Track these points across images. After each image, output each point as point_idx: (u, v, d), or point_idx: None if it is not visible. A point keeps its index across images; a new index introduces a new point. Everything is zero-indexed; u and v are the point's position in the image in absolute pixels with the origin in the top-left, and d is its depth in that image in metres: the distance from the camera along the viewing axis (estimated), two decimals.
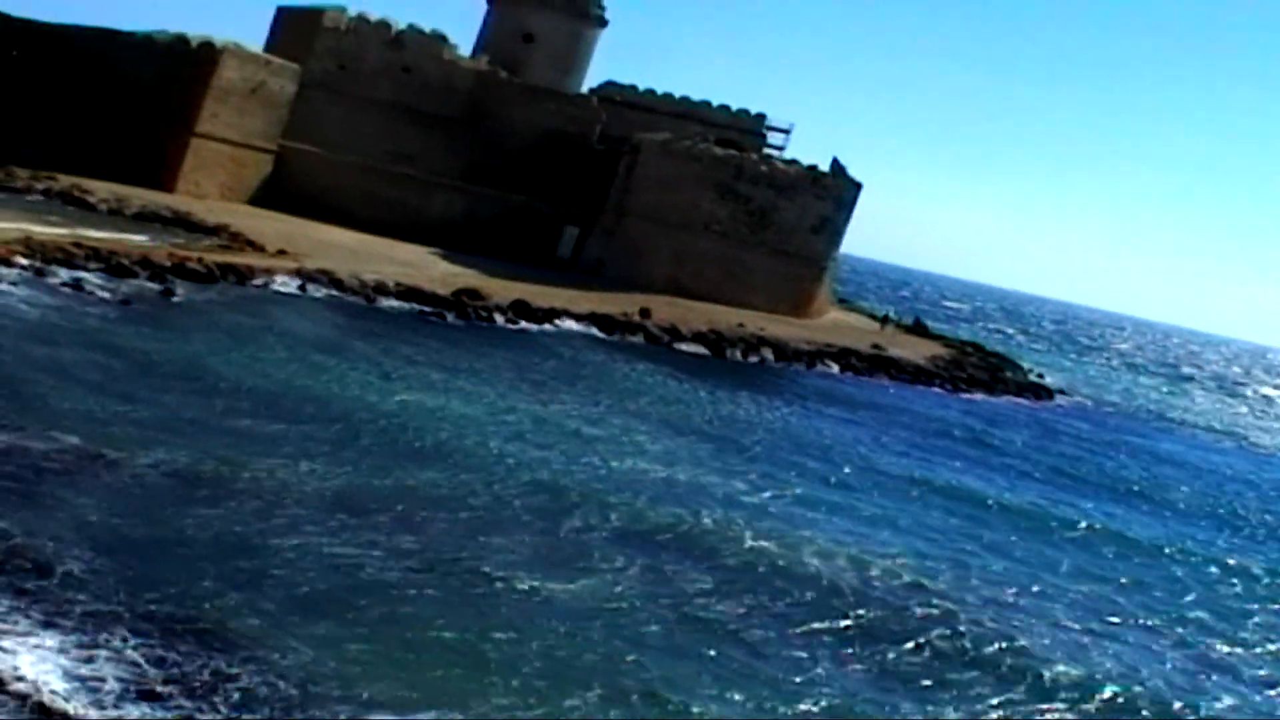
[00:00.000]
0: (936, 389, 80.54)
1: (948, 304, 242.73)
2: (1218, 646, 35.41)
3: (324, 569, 26.91)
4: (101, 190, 78.18)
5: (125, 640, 21.67)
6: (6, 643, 20.74)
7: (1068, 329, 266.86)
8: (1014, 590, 36.06)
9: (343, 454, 35.83)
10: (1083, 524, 48.28)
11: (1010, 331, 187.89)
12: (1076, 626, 33.99)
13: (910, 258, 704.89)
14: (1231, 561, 47.55)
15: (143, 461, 31.08)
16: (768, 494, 41.73)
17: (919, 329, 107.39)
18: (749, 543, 34.75)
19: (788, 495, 42.26)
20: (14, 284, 49.58)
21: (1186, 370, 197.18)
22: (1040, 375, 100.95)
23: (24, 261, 53.34)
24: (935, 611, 32.22)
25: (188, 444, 33.23)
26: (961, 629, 31.20)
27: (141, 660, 21.21)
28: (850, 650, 28.64)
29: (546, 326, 69.20)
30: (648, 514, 35.71)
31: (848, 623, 30.29)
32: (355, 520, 30.29)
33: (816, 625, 29.74)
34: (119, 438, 32.42)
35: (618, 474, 40.31)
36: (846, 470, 49.39)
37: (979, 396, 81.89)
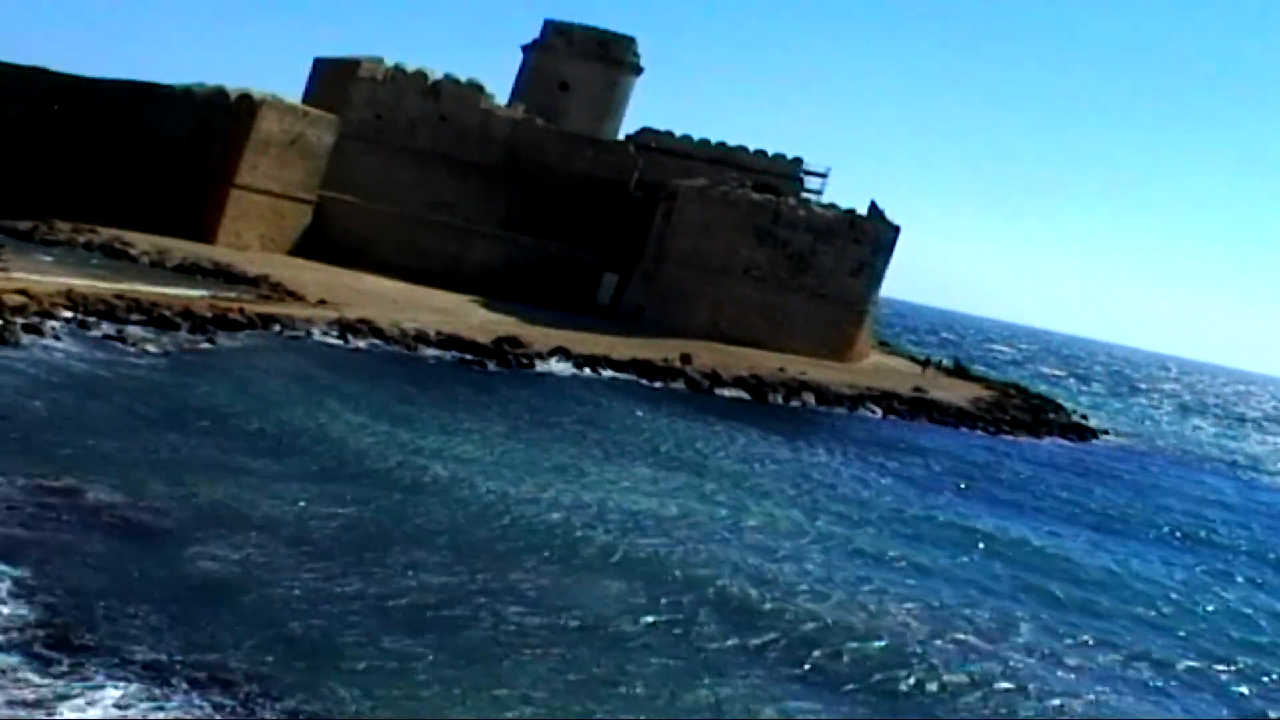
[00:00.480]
0: (979, 431, 79.89)
1: (994, 347, 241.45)
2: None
3: (374, 612, 26.69)
4: (143, 242, 78.61)
5: (186, 693, 21.55)
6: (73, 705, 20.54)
7: (1117, 368, 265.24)
8: (1071, 643, 35.35)
9: (381, 502, 35.55)
10: (1135, 573, 47.43)
11: (1060, 374, 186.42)
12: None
13: (953, 300, 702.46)
14: None
15: (181, 511, 30.99)
16: (835, 553, 40.98)
17: (960, 371, 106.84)
18: (819, 607, 34.04)
19: (850, 548, 41.71)
20: (57, 336, 49.70)
21: (1240, 410, 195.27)
22: (1084, 416, 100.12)
23: (66, 314, 53.55)
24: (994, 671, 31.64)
25: (230, 494, 33.11)
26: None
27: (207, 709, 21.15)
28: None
29: (586, 372, 68.99)
30: (704, 575, 34.94)
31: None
32: (407, 567, 30.05)
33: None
34: (158, 488, 32.29)
35: (669, 522, 39.90)
36: (896, 520, 48.69)
37: (1023, 439, 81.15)
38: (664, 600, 31.56)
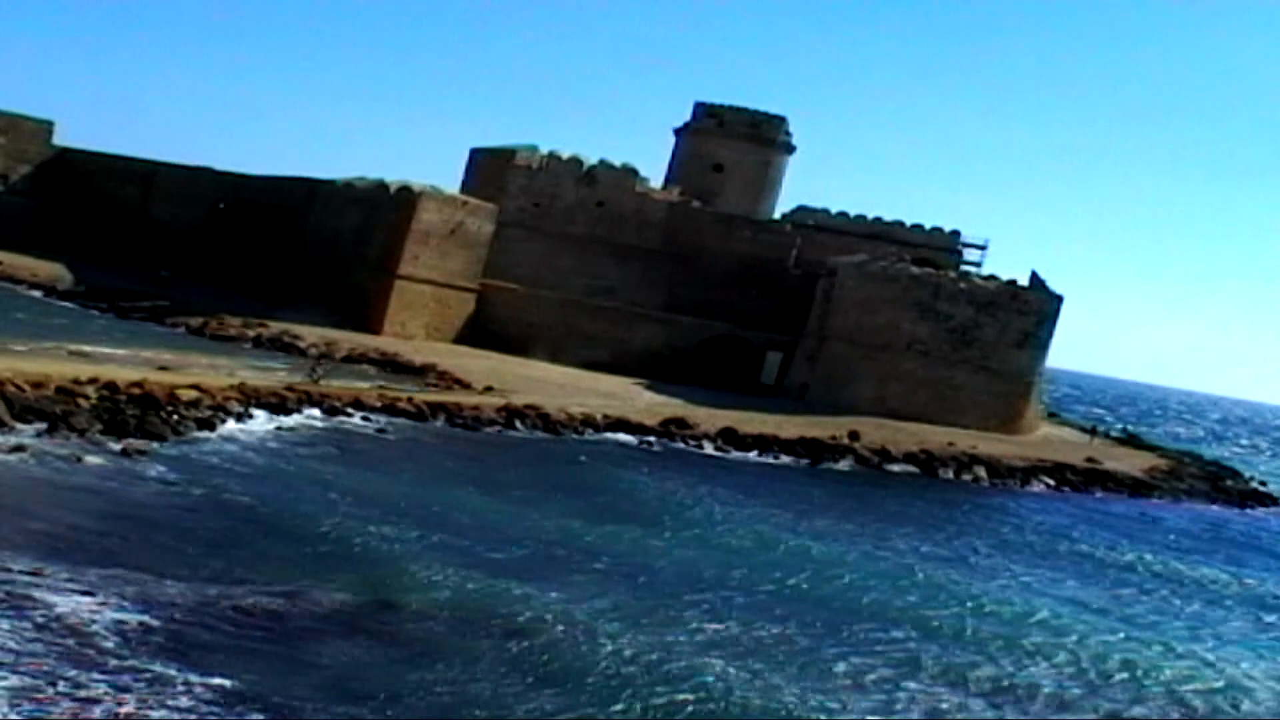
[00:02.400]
0: (1155, 500, 78.25)
1: (1177, 416, 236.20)
2: None
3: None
4: (311, 335, 79.67)
5: None
6: None
7: None
8: None
9: (570, 579, 35.43)
10: None
11: (1250, 442, 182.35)
12: None
13: (1124, 369, 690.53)
14: None
15: (359, 601, 30.93)
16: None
17: (1131, 440, 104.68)
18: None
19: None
20: (231, 428, 50.42)
21: None
22: (1263, 483, 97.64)
23: (239, 408, 54.22)
24: None
25: (419, 585, 32.96)
26: None
27: None
28: None
29: (752, 455, 68.40)
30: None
31: None
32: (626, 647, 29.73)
33: None
34: (340, 581, 32.19)
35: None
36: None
37: (1202, 506, 79.32)
38: None
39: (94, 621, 26.44)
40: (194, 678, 24.39)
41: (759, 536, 46.78)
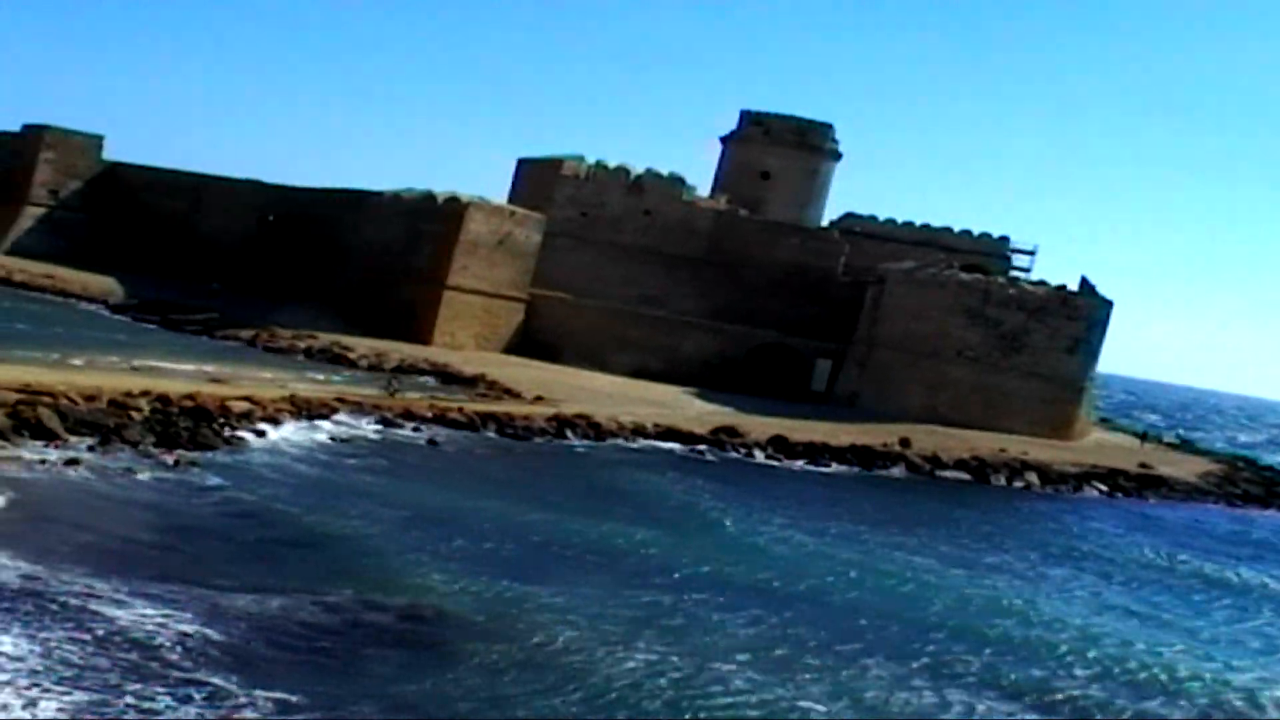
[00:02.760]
0: (1210, 505, 77.61)
1: (1235, 421, 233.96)
2: None
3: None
4: (361, 346, 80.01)
5: None
6: None
7: None
8: None
9: (625, 593, 35.30)
10: None
11: None
12: None
13: (1184, 375, 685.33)
14: None
15: (411, 612, 30.94)
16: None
17: (1185, 446, 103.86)
18: None
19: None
20: (283, 440, 50.71)
21: None
22: None
23: (291, 419, 54.45)
24: None
25: (470, 596, 32.95)
26: None
27: None
28: None
29: (800, 464, 68.15)
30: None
31: None
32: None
33: None
34: (393, 592, 32.23)
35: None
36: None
37: (1256, 512, 78.60)
38: None
39: (155, 635, 26.56)
40: (256, 691, 24.46)
41: (817, 547, 46.47)
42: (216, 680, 24.71)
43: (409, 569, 34.63)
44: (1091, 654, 36.14)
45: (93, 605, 27.63)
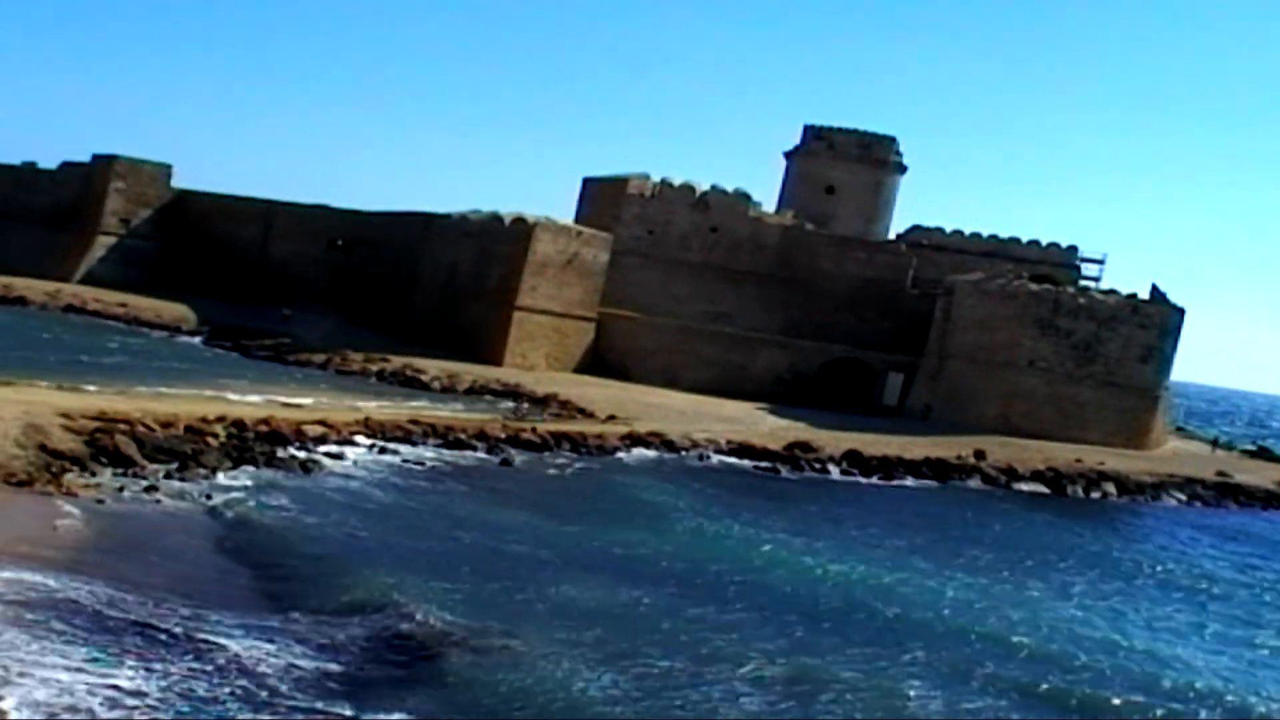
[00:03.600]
0: None
1: None
2: None
3: None
4: (433, 369, 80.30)
5: None
6: None
7: None
8: None
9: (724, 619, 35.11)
10: None
11: None
12: None
13: (1261, 382, 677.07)
14: None
15: (505, 643, 30.72)
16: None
17: (1262, 453, 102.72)
18: None
19: None
20: (358, 462, 50.83)
21: None
22: None
23: (366, 441, 54.70)
24: None
25: (557, 612, 33.04)
26: None
27: None
28: None
29: (876, 480, 67.87)
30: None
31: None
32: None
33: None
34: (485, 618, 32.10)
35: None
36: None
37: None
38: None
39: (264, 662, 26.79)
40: (369, 715, 24.78)
41: (911, 569, 45.74)
42: (336, 709, 24.95)
43: (498, 593, 34.62)
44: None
45: (200, 635, 27.79)
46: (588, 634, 31.61)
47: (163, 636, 27.34)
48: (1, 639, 25.56)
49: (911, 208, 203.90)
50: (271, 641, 28.12)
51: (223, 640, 27.66)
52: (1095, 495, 72.33)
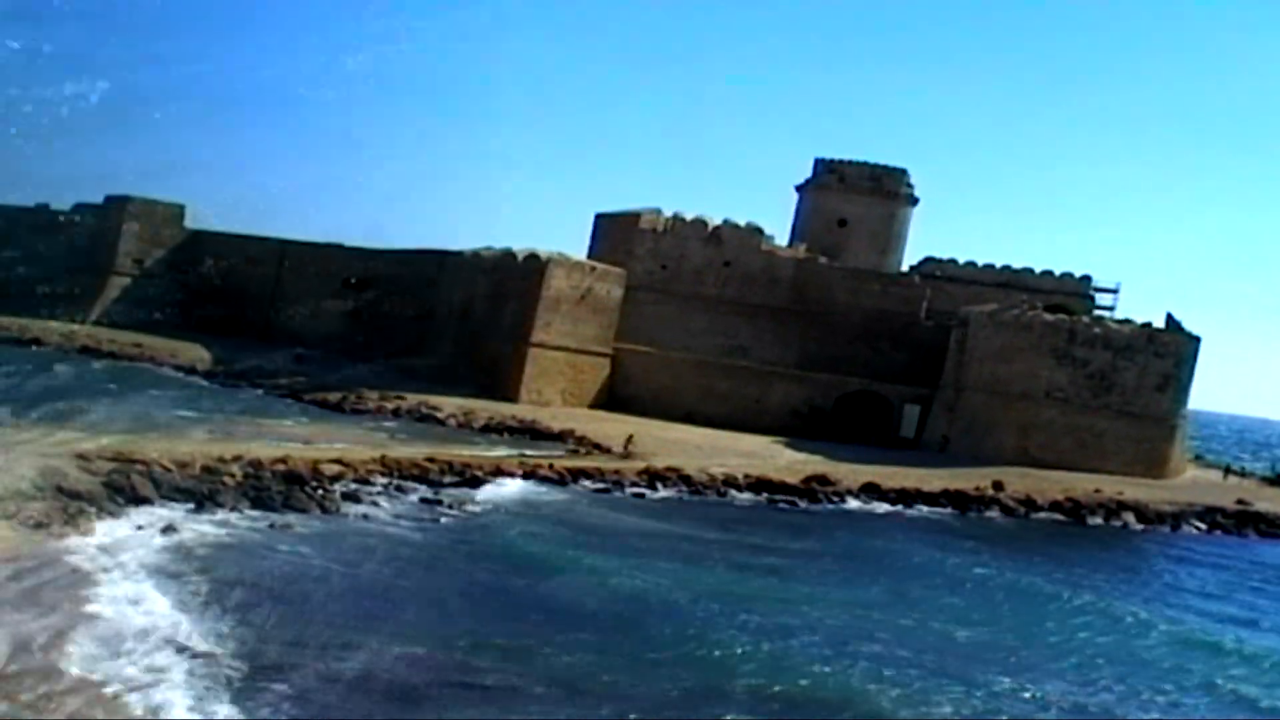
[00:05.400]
0: None
1: None
2: None
3: None
4: (449, 406, 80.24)
5: None
6: None
7: None
8: None
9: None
10: None
11: None
12: None
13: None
14: None
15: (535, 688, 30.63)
16: None
17: (1277, 480, 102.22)
18: None
19: None
20: (374, 501, 50.63)
21: None
22: None
23: (382, 480, 54.59)
24: None
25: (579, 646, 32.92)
26: None
27: None
28: None
29: (899, 508, 67.68)
30: None
31: None
32: None
33: None
34: (494, 653, 32.16)
35: None
36: None
37: None
38: None
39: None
40: None
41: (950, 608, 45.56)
42: None
43: (547, 627, 34.63)
44: None
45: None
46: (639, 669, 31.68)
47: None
48: None
49: (924, 239, 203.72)
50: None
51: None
52: (1116, 524, 71.90)
